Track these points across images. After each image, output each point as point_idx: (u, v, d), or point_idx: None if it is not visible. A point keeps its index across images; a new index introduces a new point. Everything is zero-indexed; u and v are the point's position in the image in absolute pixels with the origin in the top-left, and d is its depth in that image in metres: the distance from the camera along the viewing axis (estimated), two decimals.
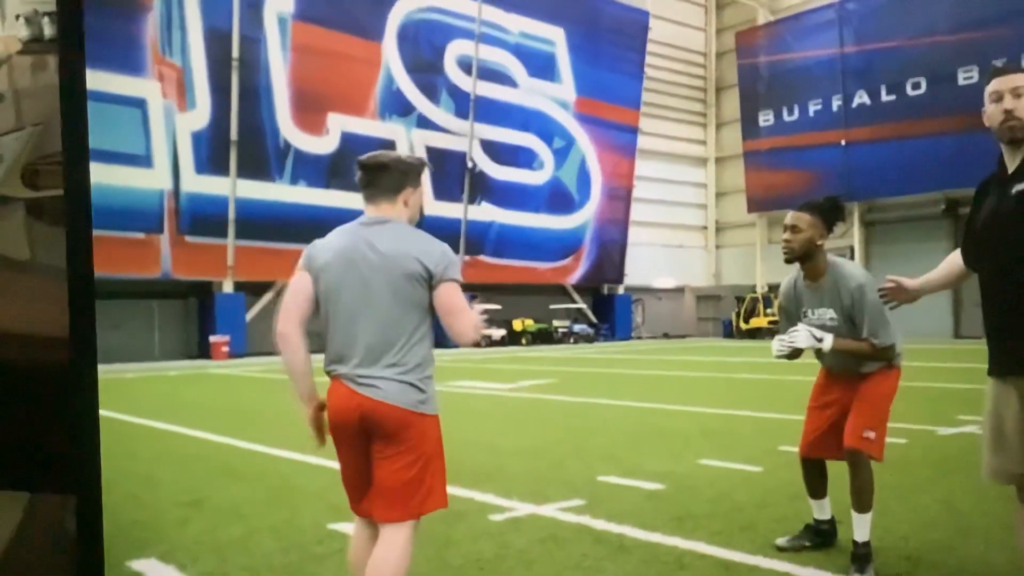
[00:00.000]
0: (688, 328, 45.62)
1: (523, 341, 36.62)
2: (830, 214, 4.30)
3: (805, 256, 4.26)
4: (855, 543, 4.17)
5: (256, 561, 4.51)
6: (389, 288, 3.10)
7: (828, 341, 4.15)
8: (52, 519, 1.73)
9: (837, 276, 4.24)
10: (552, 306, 39.73)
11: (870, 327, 4.13)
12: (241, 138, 29.38)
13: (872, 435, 4.19)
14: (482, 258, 36.43)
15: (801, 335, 4.17)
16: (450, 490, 5.75)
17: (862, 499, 4.18)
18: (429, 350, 3.19)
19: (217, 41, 28.89)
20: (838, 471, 4.44)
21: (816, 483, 4.55)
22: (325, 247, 3.22)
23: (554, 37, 38.77)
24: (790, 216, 4.28)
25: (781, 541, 4.54)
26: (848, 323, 4.22)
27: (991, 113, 3.19)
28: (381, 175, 3.22)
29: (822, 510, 4.57)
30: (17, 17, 1.76)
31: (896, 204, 38.18)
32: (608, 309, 42.21)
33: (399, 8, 33.66)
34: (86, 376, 1.63)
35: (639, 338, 42.68)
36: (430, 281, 3.11)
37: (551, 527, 5.08)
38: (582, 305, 41.74)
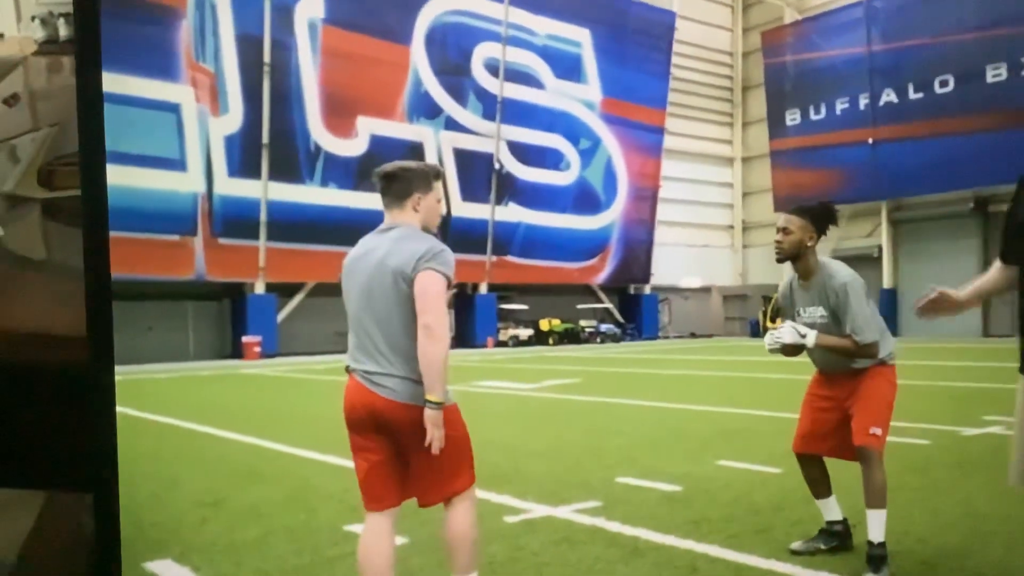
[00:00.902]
0: (715, 327, 45.58)
1: (550, 341, 36.77)
2: (821, 218, 4.41)
3: (795, 257, 4.40)
4: (869, 543, 4.18)
5: (269, 563, 4.55)
6: (387, 291, 3.25)
7: (811, 337, 4.28)
8: (69, 518, 1.75)
9: (825, 276, 4.36)
10: (579, 306, 39.87)
11: (852, 324, 4.23)
12: (272, 141, 29.80)
13: (879, 431, 4.27)
14: (509, 258, 36.67)
15: (786, 331, 4.31)
16: None
17: (875, 495, 4.20)
18: None
19: (249, 46, 29.34)
20: (850, 476, 4.45)
21: (816, 481, 4.58)
22: (349, 255, 3.47)
23: (580, 38, 38.89)
24: (782, 218, 4.45)
25: (796, 545, 4.56)
26: (835, 321, 4.33)
27: None
28: (390, 183, 3.42)
29: (830, 510, 4.58)
30: (32, 18, 1.77)
31: (924, 202, 37.93)
32: (635, 309, 42.31)
33: (427, 12, 33.96)
34: (103, 375, 1.67)
35: (666, 338, 42.69)
36: (412, 276, 3.23)
37: (566, 529, 5.09)
38: (609, 305, 41.85)
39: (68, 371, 1.68)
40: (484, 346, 34.82)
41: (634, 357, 25.54)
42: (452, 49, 34.76)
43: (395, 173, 3.44)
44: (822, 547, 4.51)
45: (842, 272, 4.34)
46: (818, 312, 4.40)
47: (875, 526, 4.19)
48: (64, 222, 1.71)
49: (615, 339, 38.71)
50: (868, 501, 4.22)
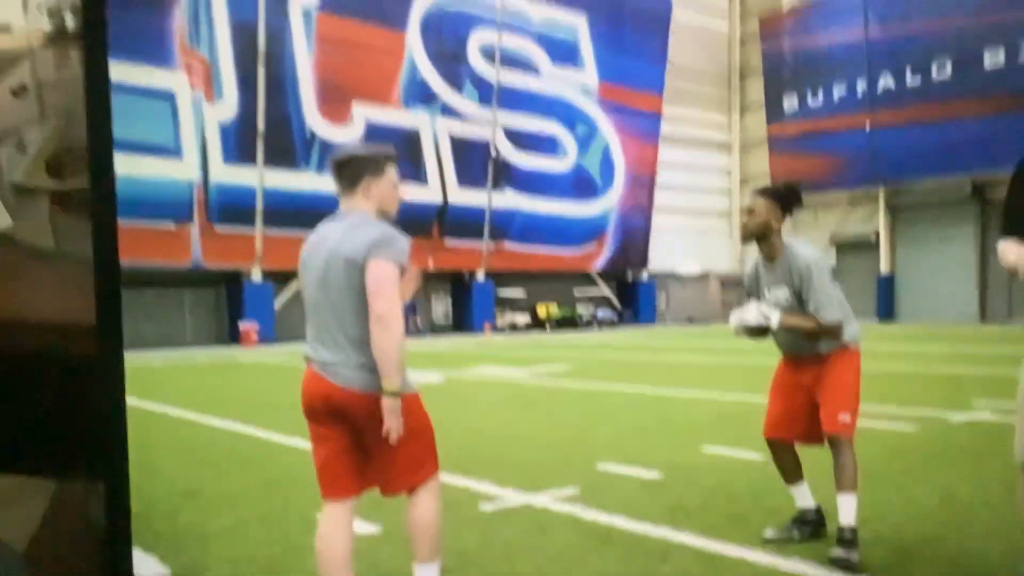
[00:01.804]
0: (712, 313, 45.65)
1: (547, 327, 36.88)
2: (786, 199, 4.42)
3: (760, 237, 4.41)
4: (840, 528, 4.14)
5: (239, 552, 4.51)
6: (340, 279, 3.22)
7: (775, 317, 4.29)
8: (78, 507, 1.75)
9: (790, 256, 4.37)
10: (576, 292, 39.95)
11: (815, 303, 4.25)
12: (268, 128, 29.80)
13: (847, 418, 4.27)
14: (506, 244, 36.75)
15: (750, 312, 4.34)
16: (444, 479, 5.82)
17: (846, 480, 4.20)
18: None
19: (243, 33, 29.33)
20: (825, 465, 4.40)
21: (788, 467, 4.57)
22: (306, 244, 3.42)
23: (576, 24, 38.86)
24: (748, 199, 4.48)
25: (769, 533, 4.53)
26: (799, 301, 4.35)
27: None
28: (340, 170, 3.39)
29: (803, 496, 4.55)
30: (40, 10, 1.77)
31: (922, 188, 37.96)
32: (632, 295, 42.41)
33: None
34: (112, 363, 1.68)
35: (663, 323, 42.80)
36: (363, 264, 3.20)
37: (540, 517, 5.05)
38: (606, 291, 41.93)
39: (77, 360, 1.69)
40: (481, 332, 34.90)
41: (630, 343, 25.59)
42: (448, 35, 34.74)
43: (344, 159, 3.41)
44: (795, 535, 4.49)
45: (806, 253, 4.36)
46: (782, 293, 4.41)
47: (846, 510, 4.18)
48: (73, 212, 1.73)
49: (612, 325, 38.84)
50: (839, 485, 4.23)
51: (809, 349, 4.42)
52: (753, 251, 4.64)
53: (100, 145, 1.65)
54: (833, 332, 4.31)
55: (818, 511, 4.55)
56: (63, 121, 1.74)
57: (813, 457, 4.65)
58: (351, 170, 3.38)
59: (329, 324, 3.26)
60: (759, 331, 4.39)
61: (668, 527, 4.78)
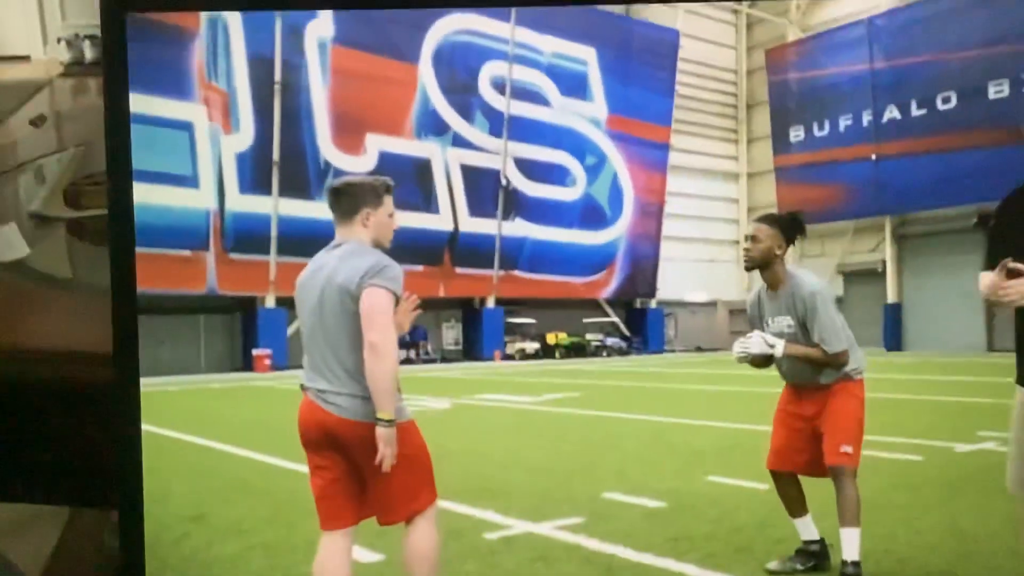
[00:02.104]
0: (721, 341, 45.47)
1: (557, 355, 36.89)
2: (789, 227, 4.40)
3: (763, 265, 4.39)
4: (843, 563, 4.13)
5: None
6: (335, 308, 3.23)
7: (780, 347, 4.29)
8: (92, 534, 1.80)
9: (794, 285, 4.36)
10: (586, 320, 40.01)
11: (820, 333, 4.24)
12: (283, 159, 30.22)
13: (850, 449, 4.25)
14: (516, 273, 36.91)
15: (754, 341, 4.34)
16: (449, 506, 6.06)
17: (849, 514, 4.18)
18: None
19: (260, 66, 29.78)
20: (828, 495, 4.36)
21: (791, 498, 4.54)
22: (301, 274, 3.43)
23: (586, 57, 39.07)
24: (751, 227, 4.44)
25: (772, 565, 4.50)
26: (803, 330, 4.33)
27: None
28: (337, 199, 3.39)
29: (807, 529, 4.53)
30: (59, 40, 1.78)
31: (928, 218, 37.93)
32: (641, 323, 42.43)
33: (435, 31, 34.27)
34: (128, 393, 1.71)
35: (672, 351, 42.71)
36: (358, 291, 3.20)
37: (544, 547, 5.04)
38: (615, 319, 41.97)
39: (92, 388, 1.73)
40: (491, 359, 35.06)
41: (639, 371, 25.62)
42: (459, 67, 35.09)
43: (342, 188, 3.41)
44: (799, 567, 4.47)
45: (811, 281, 4.38)
46: (785, 321, 4.41)
47: (849, 545, 4.18)
48: (89, 241, 1.78)
49: (621, 353, 38.81)
50: (842, 520, 4.22)
51: (812, 379, 4.41)
52: (759, 279, 4.77)
53: (120, 174, 1.69)
54: (838, 362, 4.31)
55: (822, 543, 4.53)
56: (81, 151, 1.80)
57: (817, 487, 4.59)
58: (350, 199, 3.39)
59: (324, 353, 3.26)
60: (762, 360, 4.42)
61: (671, 558, 4.76)
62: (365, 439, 3.16)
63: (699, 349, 43.85)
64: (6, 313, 1.76)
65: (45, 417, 1.79)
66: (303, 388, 3.34)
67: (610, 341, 39.34)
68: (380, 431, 3.13)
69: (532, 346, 36.84)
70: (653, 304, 42.86)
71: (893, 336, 38.37)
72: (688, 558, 4.76)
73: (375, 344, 3.13)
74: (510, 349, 36.49)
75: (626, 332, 42.02)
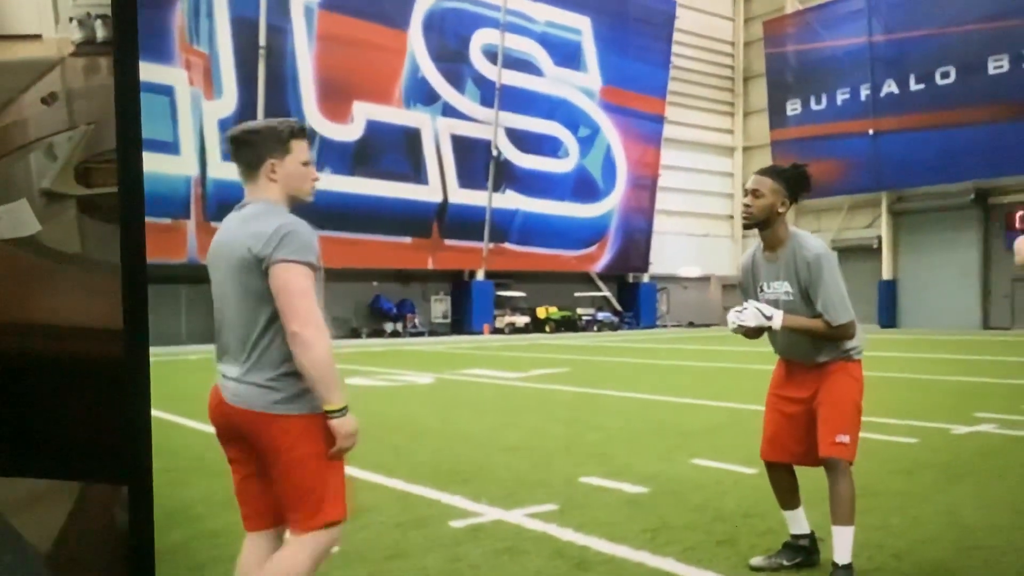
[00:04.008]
0: (714, 317, 45.45)
1: (547, 328, 36.73)
2: (795, 182, 3.98)
3: (765, 223, 3.97)
4: (834, 565, 3.83)
5: (180, 571, 4.23)
6: (232, 280, 2.77)
7: (778, 319, 3.89)
8: (102, 509, 1.78)
9: (796, 246, 3.94)
10: (577, 294, 39.82)
11: (824, 301, 3.84)
12: None
13: (846, 439, 3.86)
14: (507, 246, 36.64)
15: (750, 312, 3.92)
16: (418, 492, 5.81)
17: (842, 511, 3.83)
18: (287, 345, 2.73)
19: (244, 30, 29.27)
20: (820, 486, 4.03)
21: (784, 490, 4.18)
22: (213, 240, 2.94)
23: (580, 26, 38.73)
24: (752, 180, 4.00)
25: (756, 560, 4.15)
26: (803, 299, 3.93)
27: None
28: (237, 151, 2.86)
29: (798, 523, 4.18)
30: (70, 20, 1.80)
31: (924, 194, 37.84)
32: (633, 297, 42.31)
33: None
34: (139, 368, 1.70)
35: (664, 327, 42.67)
36: (261, 266, 2.70)
37: (513, 536, 4.74)
38: (607, 293, 41.82)
39: (102, 363, 1.72)
40: (480, 333, 34.77)
41: (629, 346, 25.43)
42: (450, 35, 34.65)
43: (239, 137, 2.86)
44: (785, 563, 4.11)
45: (816, 245, 3.95)
46: (783, 288, 3.99)
47: (841, 545, 3.84)
48: (99, 218, 1.79)
49: (612, 327, 38.68)
50: (834, 517, 3.86)
51: (808, 356, 4.01)
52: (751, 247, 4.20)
53: (130, 152, 1.68)
54: (843, 335, 3.90)
55: (811, 537, 4.18)
56: (91, 129, 1.79)
57: (808, 472, 4.24)
58: (249, 149, 2.85)
59: (227, 333, 2.82)
60: (757, 331, 3.99)
61: (648, 551, 4.46)
62: (263, 433, 2.73)
63: (692, 324, 43.83)
64: (18, 288, 1.77)
65: (56, 392, 1.79)
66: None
67: (601, 315, 39.20)
68: (332, 424, 2.73)
69: (522, 320, 36.63)
70: (645, 278, 42.73)
71: (888, 313, 38.38)
72: (667, 551, 4.45)
73: (296, 333, 2.67)
74: (500, 323, 36.22)
75: (618, 306, 41.91)
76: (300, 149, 2.90)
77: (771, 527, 4.71)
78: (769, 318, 3.90)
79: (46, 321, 1.75)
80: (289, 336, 2.68)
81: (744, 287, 4.24)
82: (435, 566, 4.28)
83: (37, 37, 1.82)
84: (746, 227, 4.05)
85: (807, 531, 4.19)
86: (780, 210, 3.95)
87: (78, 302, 1.75)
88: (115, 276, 1.67)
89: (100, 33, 1.76)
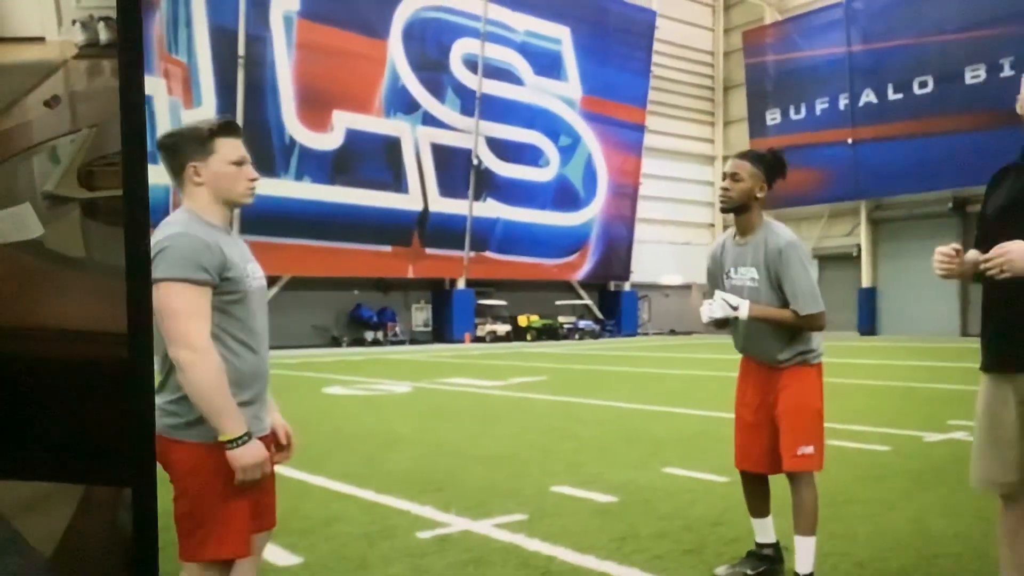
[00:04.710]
0: (695, 325, 45.40)
1: (528, 337, 36.70)
2: (772, 167, 3.98)
3: (742, 207, 3.95)
4: (795, 575, 3.82)
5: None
6: None
7: (744, 309, 3.83)
8: (105, 513, 1.76)
9: (767, 234, 3.92)
10: (558, 302, 39.79)
11: (793, 290, 3.80)
12: (246, 134, 28.55)
13: (809, 450, 3.82)
14: (488, 254, 36.55)
15: (717, 304, 3.89)
16: (388, 502, 5.82)
17: (804, 521, 3.82)
18: None
19: (223, 39, 29.08)
20: (785, 494, 4.02)
21: (757, 499, 4.15)
22: None
23: (560, 36, 38.75)
24: (731, 163, 3.98)
25: (721, 570, 4.14)
26: (770, 287, 3.89)
27: None
28: (163, 157, 2.67)
29: (764, 532, 4.15)
30: (73, 22, 1.81)
31: (903, 203, 38.06)
32: (615, 305, 42.29)
33: (405, 7, 33.73)
34: (142, 371, 1.68)
35: (646, 334, 42.70)
36: None
37: (480, 547, 4.72)
38: (588, 301, 41.79)
39: (105, 366, 1.70)
40: (461, 341, 34.68)
41: (610, 354, 25.44)
42: (430, 44, 34.57)
43: (162, 142, 2.66)
44: (748, 572, 4.08)
45: (786, 232, 3.94)
46: (749, 274, 3.95)
47: (803, 556, 3.82)
48: (103, 221, 1.78)
49: (594, 336, 38.71)
50: (797, 527, 3.85)
51: (768, 353, 3.96)
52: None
53: (134, 155, 1.69)
54: (811, 326, 3.86)
55: (776, 547, 4.15)
56: (95, 132, 1.79)
57: (775, 483, 4.22)
58: (171, 155, 2.66)
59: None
60: (724, 321, 3.98)
61: (614, 561, 4.45)
62: (161, 457, 2.48)
63: (673, 332, 43.87)
64: (21, 292, 1.79)
65: (58, 395, 1.79)
66: None
67: (583, 324, 39.21)
68: (228, 455, 2.53)
69: (503, 328, 36.57)
70: (627, 287, 42.72)
71: (867, 320, 38.56)
72: (633, 560, 4.43)
73: (177, 359, 2.48)
74: (481, 331, 36.14)
75: (599, 315, 41.89)
76: (228, 147, 2.71)
77: (739, 535, 4.69)
78: (736, 308, 3.86)
79: (49, 324, 1.77)
80: (172, 361, 2.52)
81: (711, 274, 4.22)
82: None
83: (40, 40, 1.86)
84: (724, 211, 4.05)
85: (773, 540, 4.16)
86: (758, 194, 3.95)
87: (81, 305, 1.76)
88: (119, 279, 1.66)
89: (103, 36, 1.78)
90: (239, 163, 2.72)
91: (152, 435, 1.74)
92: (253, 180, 2.80)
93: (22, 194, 1.81)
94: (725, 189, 3.96)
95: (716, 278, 4.17)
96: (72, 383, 1.75)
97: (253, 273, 2.83)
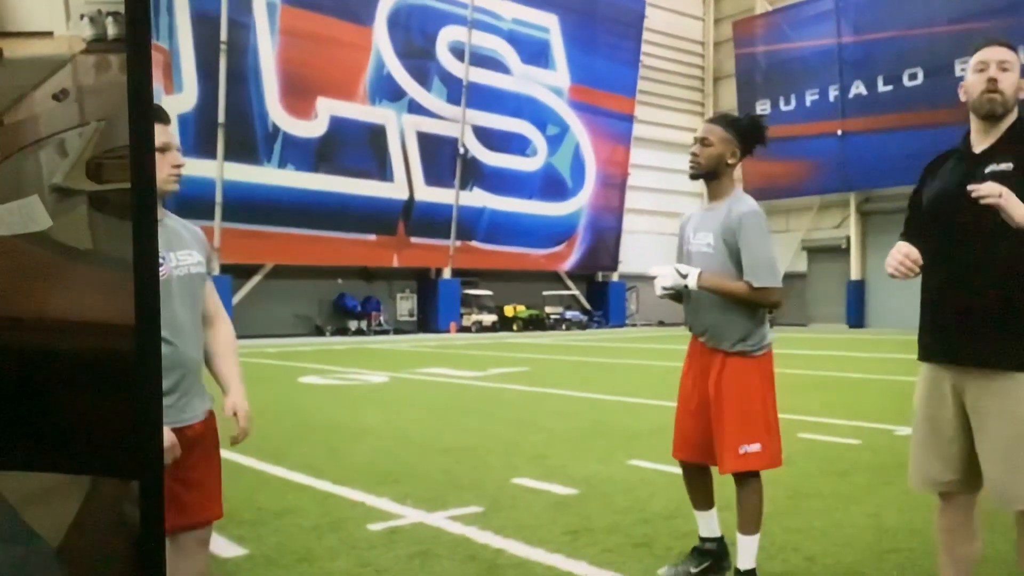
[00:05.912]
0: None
1: (514, 327, 36.59)
2: (748, 132, 3.75)
3: (711, 174, 3.73)
4: (737, 571, 3.68)
5: None
6: None
7: (692, 277, 3.63)
8: (112, 505, 1.81)
9: (732, 202, 3.69)
10: (545, 292, 39.68)
11: (749, 261, 3.58)
12: (229, 121, 29.36)
13: (755, 448, 3.59)
14: (474, 244, 36.44)
15: (667, 274, 3.70)
16: (343, 493, 5.73)
17: (747, 519, 3.65)
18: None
19: (205, 24, 28.85)
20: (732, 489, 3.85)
21: (698, 491, 3.95)
22: None
23: (548, 24, 38.58)
24: (701, 128, 3.78)
25: (663, 571, 3.97)
26: (727, 256, 3.66)
27: (972, 83, 2.99)
28: None
29: (708, 526, 3.97)
30: (81, 17, 1.86)
31: (892, 195, 37.89)
32: (602, 296, 42.23)
33: None
34: (149, 364, 1.73)
35: (633, 325, 42.63)
36: None
37: (429, 540, 4.64)
38: (576, 292, 41.72)
39: (113, 359, 1.75)
40: (447, 331, 34.54)
41: (595, 345, 25.32)
42: (416, 32, 34.35)
43: None
44: (692, 570, 3.90)
45: (749, 202, 3.70)
46: (706, 239, 3.73)
47: (745, 553, 3.67)
48: (110, 213, 1.81)
49: (581, 326, 38.59)
50: (740, 525, 3.68)
51: (714, 332, 3.72)
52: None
53: (142, 148, 1.71)
54: (764, 300, 3.62)
55: (720, 541, 3.99)
56: (103, 125, 1.82)
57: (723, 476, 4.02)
58: None
59: None
60: (677, 293, 3.77)
61: (563, 554, 4.35)
62: None
63: (661, 323, 43.81)
64: (29, 284, 1.85)
65: (66, 387, 1.83)
66: None
67: (570, 314, 39.08)
68: None
69: (489, 318, 36.42)
70: (615, 277, 42.63)
71: (856, 313, 38.54)
72: (582, 554, 4.36)
73: None
74: (467, 321, 36.01)
75: (587, 305, 41.80)
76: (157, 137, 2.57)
77: (692, 529, 4.46)
78: (685, 276, 3.66)
79: (57, 316, 1.83)
80: None
81: (678, 244, 4.02)
82: (343, 570, 4.15)
83: (49, 34, 1.91)
84: (692, 177, 3.86)
85: (717, 534, 4.00)
86: (730, 161, 3.73)
87: (89, 297, 1.81)
88: (126, 271, 1.71)
89: (111, 30, 1.82)
90: (162, 150, 2.64)
91: (160, 428, 1.79)
92: (176, 167, 2.76)
93: (30, 187, 1.88)
94: (694, 155, 3.75)
95: (681, 246, 3.97)
96: (79, 375, 1.80)
97: (180, 260, 2.83)
